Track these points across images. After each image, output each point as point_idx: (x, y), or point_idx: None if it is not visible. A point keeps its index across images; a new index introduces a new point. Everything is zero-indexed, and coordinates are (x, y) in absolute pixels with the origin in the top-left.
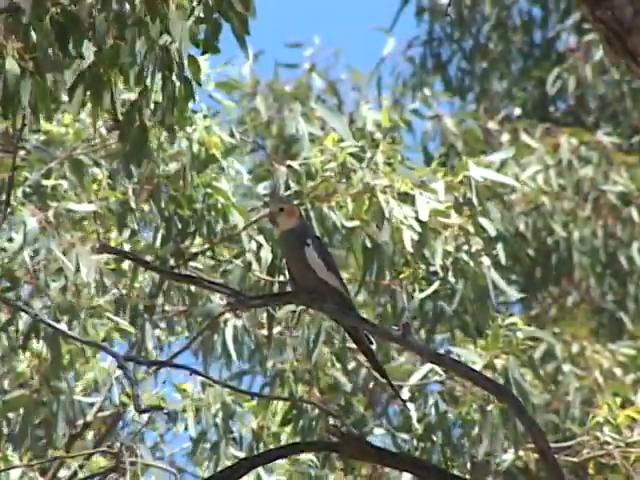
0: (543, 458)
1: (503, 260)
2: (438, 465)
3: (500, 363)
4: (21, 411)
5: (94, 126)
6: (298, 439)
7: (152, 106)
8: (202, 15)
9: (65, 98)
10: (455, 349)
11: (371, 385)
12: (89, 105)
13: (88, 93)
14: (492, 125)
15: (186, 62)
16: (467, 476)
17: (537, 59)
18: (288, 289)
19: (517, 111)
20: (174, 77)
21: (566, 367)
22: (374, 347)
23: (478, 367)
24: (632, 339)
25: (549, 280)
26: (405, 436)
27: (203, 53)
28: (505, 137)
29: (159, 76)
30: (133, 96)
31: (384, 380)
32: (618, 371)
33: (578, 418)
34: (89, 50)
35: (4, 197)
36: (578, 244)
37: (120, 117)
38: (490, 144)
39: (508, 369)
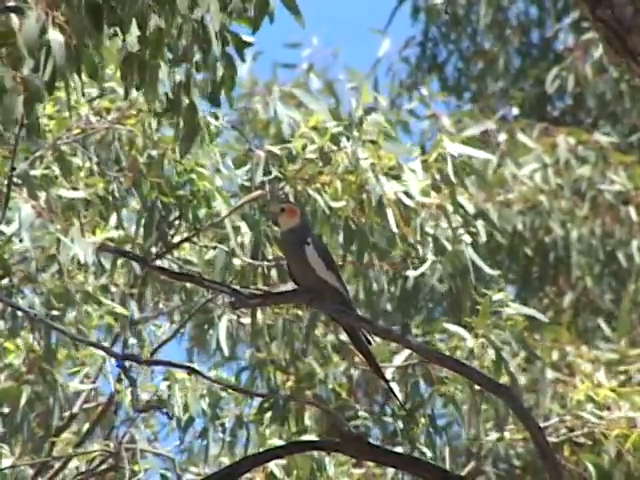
0: (542, 455)
1: (483, 237)
2: (437, 464)
3: (492, 338)
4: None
5: (150, 109)
6: (274, 427)
7: (198, 84)
8: None
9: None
10: (447, 325)
11: (353, 372)
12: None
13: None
14: (489, 125)
15: (229, 38)
16: (447, 458)
17: (535, 59)
18: (283, 286)
19: (515, 111)
20: (217, 54)
21: (549, 374)
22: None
23: (470, 343)
24: (617, 342)
25: (546, 279)
26: (389, 419)
27: (253, 31)
28: (502, 137)
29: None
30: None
31: (383, 380)
32: (601, 376)
33: (558, 398)
34: (132, 35)
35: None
36: (576, 243)
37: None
38: (488, 144)
39: (499, 346)
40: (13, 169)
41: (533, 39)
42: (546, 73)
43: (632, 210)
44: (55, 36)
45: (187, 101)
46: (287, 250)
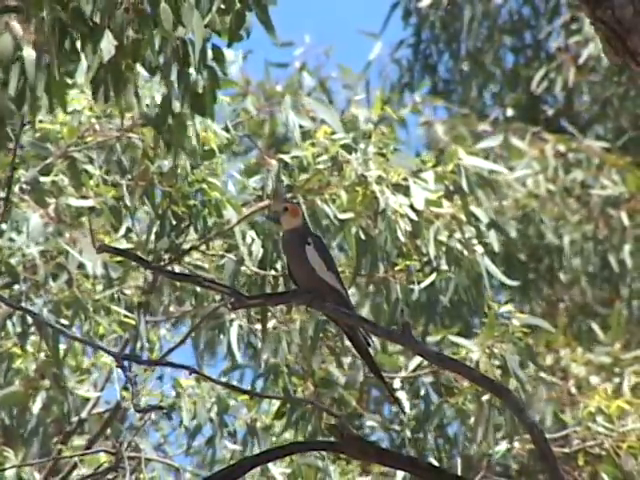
0: (543, 459)
1: (496, 247)
2: (437, 465)
3: (496, 351)
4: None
5: (122, 119)
6: (291, 432)
7: (180, 97)
8: (223, 7)
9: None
10: (453, 338)
11: (362, 378)
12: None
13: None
14: (483, 127)
15: (210, 52)
16: (459, 468)
17: (526, 60)
18: (283, 286)
19: (509, 112)
20: (193, 68)
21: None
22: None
23: (476, 356)
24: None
25: (541, 284)
26: (397, 428)
27: (229, 44)
28: (497, 140)
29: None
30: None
31: (381, 381)
32: (595, 379)
33: (569, 408)
34: (110, 44)
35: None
36: (569, 248)
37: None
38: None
39: (505, 358)
40: (14, 169)
41: (525, 40)
42: (536, 74)
43: (624, 215)
44: (29, 52)
45: (172, 111)
46: (288, 250)
